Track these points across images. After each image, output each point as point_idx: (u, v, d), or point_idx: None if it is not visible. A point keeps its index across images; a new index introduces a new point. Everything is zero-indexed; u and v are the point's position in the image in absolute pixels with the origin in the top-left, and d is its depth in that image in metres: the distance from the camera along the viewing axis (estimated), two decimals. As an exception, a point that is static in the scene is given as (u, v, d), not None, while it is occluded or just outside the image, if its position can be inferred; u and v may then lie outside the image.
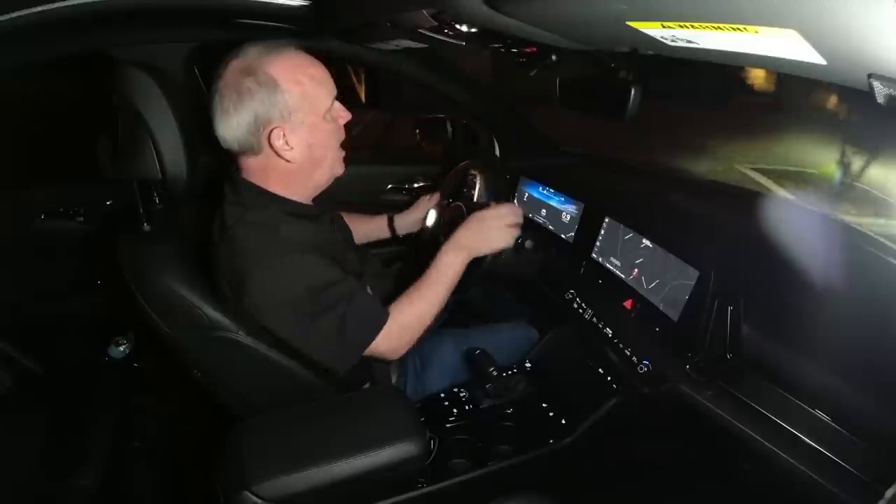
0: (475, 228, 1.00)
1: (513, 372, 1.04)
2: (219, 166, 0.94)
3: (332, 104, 0.86)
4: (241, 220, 0.83)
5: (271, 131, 0.81)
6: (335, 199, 1.10)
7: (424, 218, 1.31)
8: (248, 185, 0.87)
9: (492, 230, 1.00)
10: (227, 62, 0.82)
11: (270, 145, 0.82)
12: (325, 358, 0.86)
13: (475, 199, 1.26)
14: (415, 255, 1.30)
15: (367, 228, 1.31)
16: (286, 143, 0.82)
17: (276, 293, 0.81)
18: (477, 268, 1.16)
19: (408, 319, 0.91)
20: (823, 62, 0.40)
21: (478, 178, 1.27)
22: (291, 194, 0.89)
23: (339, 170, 0.93)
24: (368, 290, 0.93)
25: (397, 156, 1.89)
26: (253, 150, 0.83)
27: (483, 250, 1.00)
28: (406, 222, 1.31)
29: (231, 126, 0.81)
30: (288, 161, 0.84)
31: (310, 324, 0.82)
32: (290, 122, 0.82)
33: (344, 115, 0.89)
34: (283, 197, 0.88)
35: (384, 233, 1.32)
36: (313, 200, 0.95)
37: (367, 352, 0.88)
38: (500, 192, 1.20)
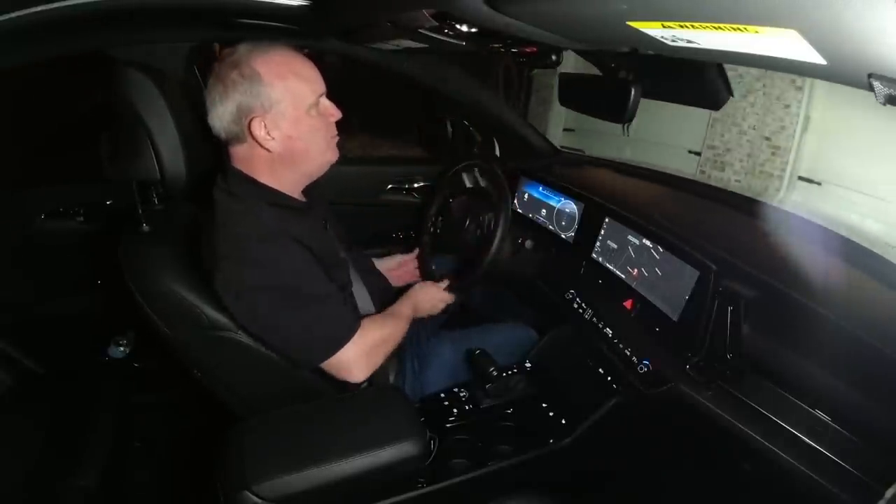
0: (417, 296, 1.11)
1: (513, 372, 1.04)
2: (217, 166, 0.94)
3: (317, 100, 0.89)
4: (225, 204, 0.87)
5: (251, 120, 0.85)
6: (335, 200, 1.10)
7: (426, 217, 1.31)
8: (235, 173, 0.90)
9: (427, 302, 1.12)
10: (222, 59, 0.87)
11: (252, 135, 0.86)
12: (288, 354, 0.88)
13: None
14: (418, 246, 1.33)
15: None
16: (267, 133, 0.86)
17: (247, 278, 0.83)
18: (474, 271, 1.16)
19: (378, 336, 0.95)
20: (823, 62, 0.40)
21: (476, 172, 1.29)
22: (279, 185, 0.91)
23: (333, 157, 0.96)
24: (347, 300, 0.97)
25: (397, 156, 1.89)
26: (238, 138, 0.87)
27: (420, 313, 1.11)
28: (381, 269, 1.30)
29: (218, 115, 0.86)
30: (269, 150, 0.88)
31: (277, 316, 0.85)
32: (270, 113, 0.85)
33: (333, 113, 0.92)
34: (270, 186, 0.91)
35: None
36: (306, 196, 0.97)
37: (332, 363, 0.89)
38: (500, 187, 1.20)
